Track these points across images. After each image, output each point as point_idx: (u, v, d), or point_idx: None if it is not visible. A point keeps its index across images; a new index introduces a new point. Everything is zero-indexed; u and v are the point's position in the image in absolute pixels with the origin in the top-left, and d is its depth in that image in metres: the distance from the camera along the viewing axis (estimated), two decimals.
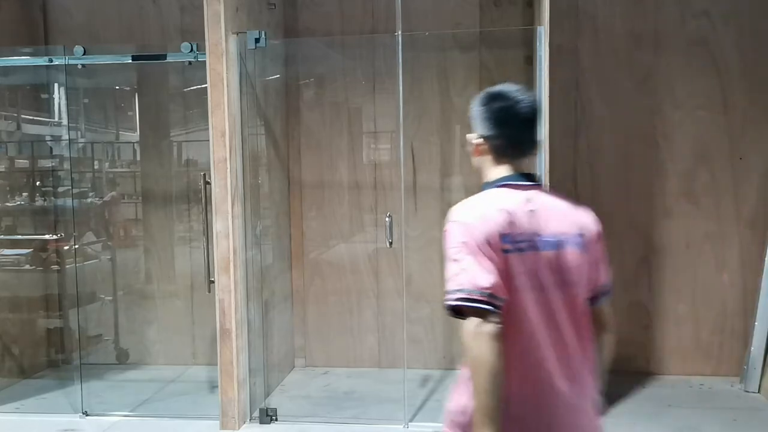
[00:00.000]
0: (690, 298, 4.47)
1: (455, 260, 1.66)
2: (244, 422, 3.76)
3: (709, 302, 4.46)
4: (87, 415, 3.93)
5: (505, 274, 1.62)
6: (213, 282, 3.68)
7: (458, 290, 1.61)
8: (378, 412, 3.87)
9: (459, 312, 1.62)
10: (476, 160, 1.87)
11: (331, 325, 4.69)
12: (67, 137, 4.49)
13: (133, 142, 4.93)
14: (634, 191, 4.47)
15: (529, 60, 4.34)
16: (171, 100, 4.75)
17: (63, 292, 4.77)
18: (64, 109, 4.66)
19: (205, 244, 3.79)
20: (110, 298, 4.80)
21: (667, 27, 4.37)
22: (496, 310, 1.57)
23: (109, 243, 4.90)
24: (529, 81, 4.37)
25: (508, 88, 1.86)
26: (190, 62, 3.84)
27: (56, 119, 4.80)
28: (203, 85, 3.64)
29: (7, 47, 4.29)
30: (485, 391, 1.56)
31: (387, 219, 4.06)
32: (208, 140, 3.63)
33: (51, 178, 4.79)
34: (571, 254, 1.72)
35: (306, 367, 4.78)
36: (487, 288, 1.57)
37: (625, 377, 4.44)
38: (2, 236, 4.69)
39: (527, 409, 1.64)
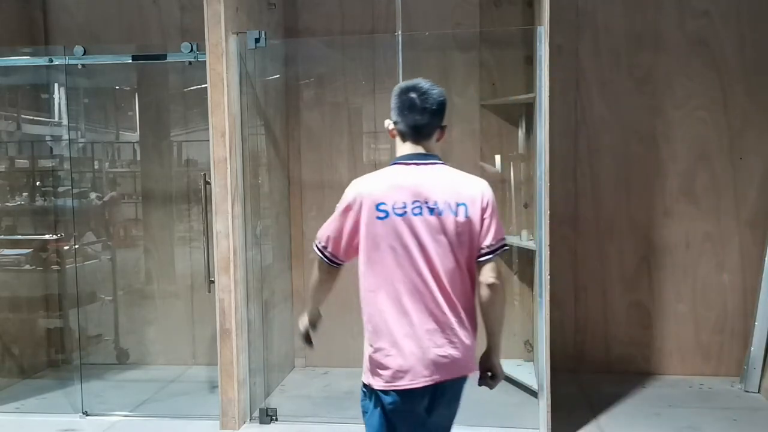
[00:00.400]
0: (690, 298, 4.47)
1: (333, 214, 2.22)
2: (244, 422, 3.76)
3: (709, 302, 4.46)
4: (87, 415, 3.93)
5: (370, 233, 2.12)
6: (213, 282, 3.68)
7: (317, 237, 2.27)
8: None
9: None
10: (393, 142, 2.27)
11: (331, 325, 4.66)
12: (67, 137, 4.49)
13: (133, 142, 4.93)
14: (634, 191, 4.47)
15: (529, 60, 4.35)
16: (171, 100, 4.75)
17: (63, 292, 4.77)
18: (64, 109, 4.66)
19: (205, 244, 3.79)
20: (110, 298, 4.80)
21: (667, 27, 4.37)
22: (325, 259, 2.25)
23: (109, 243, 4.90)
24: (529, 81, 4.37)
25: (417, 82, 2.20)
26: (190, 62, 3.84)
27: (56, 119, 4.80)
28: (203, 85, 3.64)
29: (7, 47, 4.29)
30: (312, 289, 2.35)
31: None
32: (208, 140, 3.63)
33: (51, 178, 4.79)
34: (448, 219, 2.10)
35: (306, 367, 4.78)
36: (324, 244, 2.25)
37: (625, 377, 4.45)
38: (2, 236, 4.69)
39: (381, 321, 2.14)
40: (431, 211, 2.10)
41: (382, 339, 2.13)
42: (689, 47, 4.36)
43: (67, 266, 4.69)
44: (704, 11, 4.33)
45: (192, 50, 3.75)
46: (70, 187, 4.43)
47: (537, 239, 3.69)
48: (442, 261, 2.11)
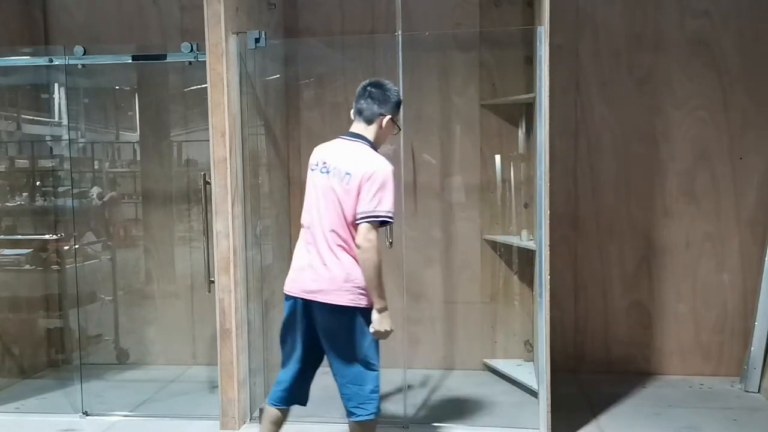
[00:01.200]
0: (690, 298, 4.48)
1: None
2: (244, 422, 3.76)
3: (709, 302, 4.46)
4: (87, 415, 3.93)
5: (309, 182, 2.85)
6: (213, 282, 3.68)
7: (390, 210, 2.72)
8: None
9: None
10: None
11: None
12: (67, 137, 4.48)
13: (133, 142, 4.93)
14: (634, 191, 4.47)
15: (529, 60, 4.35)
16: (171, 100, 4.75)
17: (63, 292, 4.77)
18: (64, 109, 4.66)
19: (205, 244, 3.79)
20: (110, 298, 4.80)
21: (667, 27, 4.37)
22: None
23: (109, 243, 4.90)
24: (529, 81, 4.38)
25: (376, 79, 2.89)
26: (190, 62, 3.84)
27: (56, 119, 4.80)
28: (203, 85, 3.64)
29: (7, 47, 4.29)
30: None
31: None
32: (208, 140, 3.63)
33: (51, 178, 4.79)
34: (336, 182, 2.72)
35: None
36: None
37: (625, 377, 4.45)
38: (2, 236, 4.69)
39: (297, 249, 2.89)
40: (327, 172, 2.75)
41: (295, 251, 2.89)
42: (689, 47, 4.36)
43: (67, 266, 4.69)
44: (704, 11, 4.33)
45: (192, 50, 3.75)
46: (70, 187, 4.43)
47: (537, 239, 3.69)
48: (329, 212, 2.72)
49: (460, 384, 4.40)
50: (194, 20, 4.16)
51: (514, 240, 4.41)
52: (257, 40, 3.70)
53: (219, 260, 3.66)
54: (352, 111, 2.88)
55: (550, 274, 3.43)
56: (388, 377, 4.43)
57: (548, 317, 3.44)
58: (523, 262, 4.54)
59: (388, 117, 2.85)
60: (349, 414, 2.85)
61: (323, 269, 2.73)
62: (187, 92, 4.66)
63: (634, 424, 3.72)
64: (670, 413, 3.87)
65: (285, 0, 4.57)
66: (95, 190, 4.88)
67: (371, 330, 2.75)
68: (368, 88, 2.84)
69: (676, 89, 4.39)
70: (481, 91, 4.52)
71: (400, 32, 3.64)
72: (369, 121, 2.83)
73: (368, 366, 2.81)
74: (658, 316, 4.51)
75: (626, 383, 4.33)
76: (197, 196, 4.21)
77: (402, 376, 3.80)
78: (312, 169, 2.84)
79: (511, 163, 4.53)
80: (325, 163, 2.78)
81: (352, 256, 2.72)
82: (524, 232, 4.32)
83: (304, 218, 2.84)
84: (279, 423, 2.97)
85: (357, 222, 2.67)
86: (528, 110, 4.41)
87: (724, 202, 4.41)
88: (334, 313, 2.75)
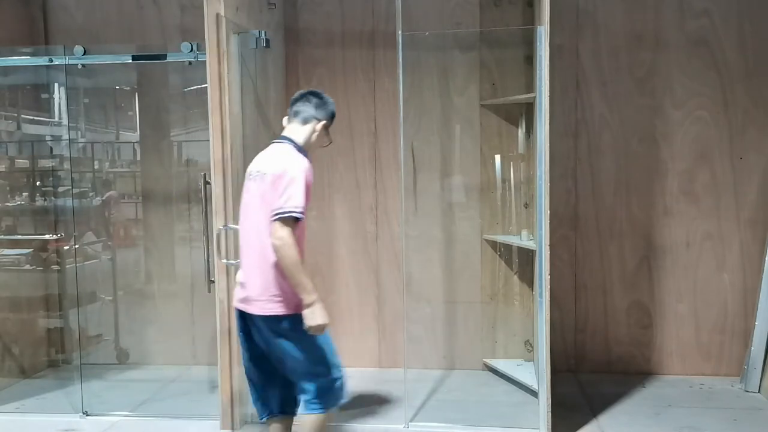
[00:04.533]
0: (690, 298, 4.47)
1: None
2: (245, 422, 3.76)
3: (710, 302, 4.46)
4: (87, 415, 3.93)
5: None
6: (213, 282, 3.68)
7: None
8: (378, 411, 3.87)
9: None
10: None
11: (331, 325, 4.68)
12: (67, 137, 4.48)
13: (133, 142, 4.93)
14: (634, 191, 4.47)
15: (529, 60, 4.35)
16: (171, 100, 4.75)
17: (63, 292, 4.77)
18: (64, 109, 4.66)
19: (205, 244, 3.78)
20: (110, 298, 4.80)
21: (667, 27, 4.37)
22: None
23: (109, 243, 4.89)
24: (529, 81, 4.38)
25: (312, 89, 3.00)
26: (190, 62, 3.84)
27: (56, 119, 4.80)
28: (203, 85, 3.63)
29: (7, 47, 4.28)
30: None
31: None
32: (208, 140, 3.63)
33: (51, 178, 4.79)
34: (257, 185, 2.77)
35: None
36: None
37: (625, 377, 4.45)
38: (2, 236, 4.68)
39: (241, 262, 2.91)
40: (251, 177, 2.81)
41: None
42: (689, 47, 4.35)
43: (67, 266, 4.69)
44: (704, 11, 4.33)
45: (192, 50, 3.75)
46: (70, 187, 4.43)
47: (537, 239, 3.69)
48: (252, 217, 2.77)
49: (460, 384, 4.41)
50: (194, 20, 4.16)
51: (514, 240, 4.41)
52: (257, 40, 3.70)
53: (219, 260, 3.65)
54: (285, 118, 2.96)
55: (550, 274, 3.43)
56: (389, 377, 4.45)
57: (548, 317, 3.44)
58: (523, 262, 4.54)
59: (323, 122, 2.92)
60: (303, 407, 2.88)
61: (249, 279, 2.80)
62: (187, 92, 4.66)
63: (634, 424, 3.72)
64: (670, 413, 3.87)
65: (285, 0, 4.57)
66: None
67: (305, 327, 2.72)
68: (307, 95, 2.94)
69: (676, 89, 4.39)
70: (481, 90, 4.52)
71: (400, 32, 3.64)
72: (304, 122, 2.89)
73: (309, 366, 2.81)
74: (658, 316, 4.51)
75: (626, 383, 4.33)
76: (197, 196, 4.20)
77: (402, 376, 3.80)
78: (247, 180, 2.89)
79: (511, 163, 4.53)
80: (250, 171, 2.85)
81: (268, 262, 2.72)
82: (524, 232, 4.32)
83: (240, 228, 2.91)
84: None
85: (271, 220, 2.68)
86: (528, 110, 4.41)
87: (724, 202, 4.41)
88: (265, 322, 2.79)
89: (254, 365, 2.94)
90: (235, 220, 3.66)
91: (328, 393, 2.84)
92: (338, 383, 2.85)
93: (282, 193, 2.65)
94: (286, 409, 2.99)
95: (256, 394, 2.99)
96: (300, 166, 2.72)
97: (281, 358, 2.84)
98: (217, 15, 3.51)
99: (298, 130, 2.89)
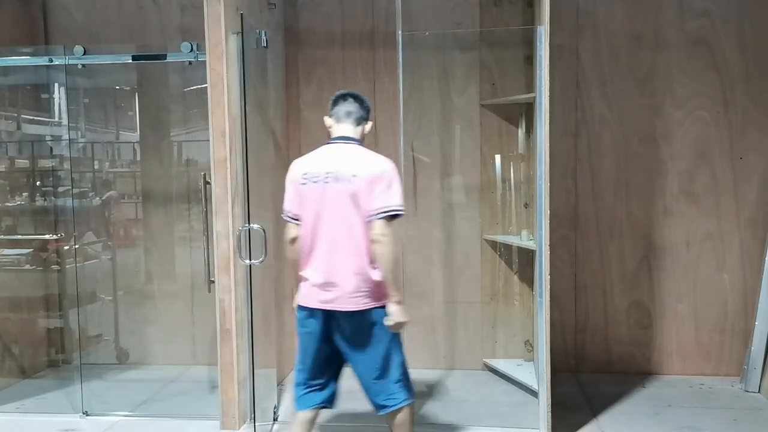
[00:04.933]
0: (690, 298, 4.48)
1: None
2: (244, 422, 3.76)
3: (709, 302, 4.46)
4: (87, 415, 3.93)
5: (299, 197, 2.84)
6: (213, 282, 3.68)
7: (283, 210, 2.92)
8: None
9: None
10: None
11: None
12: (67, 137, 4.49)
13: (133, 142, 4.93)
14: (634, 191, 4.47)
15: (529, 60, 4.35)
16: (171, 100, 4.75)
17: (63, 292, 4.77)
18: (64, 109, 4.66)
19: (205, 244, 3.79)
20: (110, 298, 4.80)
21: (667, 27, 4.37)
22: (290, 220, 2.89)
23: (109, 243, 4.89)
24: (529, 81, 4.38)
25: (351, 91, 3.04)
26: (190, 62, 3.84)
27: (56, 119, 4.80)
28: (203, 85, 3.63)
29: (7, 47, 4.28)
30: (287, 255, 3.00)
31: None
32: (208, 140, 3.63)
33: (51, 178, 4.79)
34: (343, 187, 2.75)
35: None
36: (286, 209, 2.91)
37: (625, 377, 4.45)
38: (2, 236, 4.68)
39: (310, 266, 2.86)
40: (327, 181, 2.77)
41: (306, 270, 2.86)
42: (689, 47, 4.36)
43: (67, 266, 4.69)
44: (704, 11, 4.33)
45: (192, 50, 3.75)
46: (70, 187, 4.43)
47: (537, 239, 3.69)
48: (339, 219, 2.76)
49: (460, 384, 4.41)
50: (194, 20, 4.15)
51: (514, 240, 4.41)
52: (257, 40, 3.70)
53: (219, 260, 3.65)
54: (329, 119, 2.98)
55: (550, 274, 3.43)
56: None
57: (548, 317, 3.44)
58: (523, 262, 4.54)
59: (371, 123, 3.02)
60: (380, 408, 2.92)
61: (339, 277, 2.78)
62: (187, 92, 4.66)
63: (634, 424, 3.72)
64: (670, 413, 3.87)
65: (285, 0, 4.57)
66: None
67: (388, 323, 2.80)
68: (352, 96, 2.98)
69: (676, 89, 4.39)
70: (481, 91, 4.52)
71: (400, 32, 3.64)
72: (357, 123, 2.94)
73: (390, 358, 2.88)
74: (658, 315, 4.51)
75: (626, 383, 4.33)
76: (197, 196, 4.20)
77: None
78: (303, 183, 2.82)
79: (511, 163, 4.54)
80: (328, 173, 2.78)
81: (363, 259, 2.77)
82: (524, 232, 4.32)
83: (306, 232, 2.83)
84: (311, 425, 3.05)
85: (371, 219, 2.73)
86: (528, 110, 4.41)
87: (724, 202, 4.41)
88: (355, 318, 2.81)
89: (318, 363, 2.95)
90: (236, 221, 3.67)
91: (409, 382, 2.95)
92: (403, 379, 2.94)
93: (385, 192, 2.73)
94: (328, 403, 3.05)
95: (306, 388, 2.99)
96: (393, 166, 2.82)
97: (364, 353, 2.86)
98: (217, 15, 3.51)
99: (353, 131, 2.93)
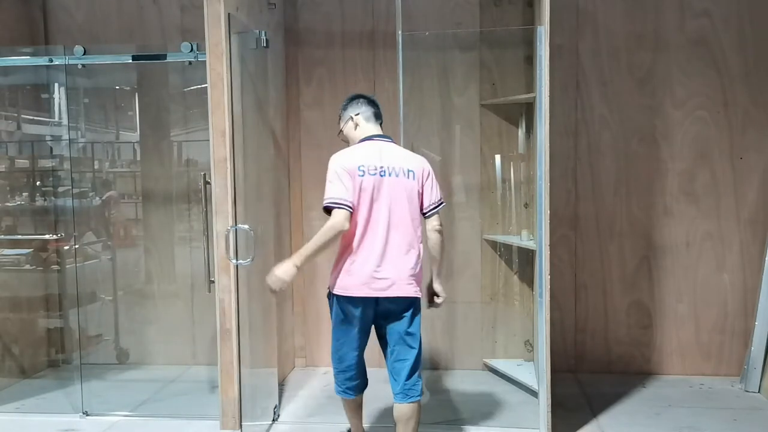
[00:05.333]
0: (690, 298, 4.48)
1: (329, 180, 2.92)
2: (244, 422, 3.75)
3: (710, 302, 4.46)
4: (87, 415, 3.93)
5: (355, 188, 2.88)
6: (213, 282, 3.68)
7: (329, 198, 2.90)
8: (378, 411, 3.87)
9: (328, 210, 2.90)
10: (345, 131, 3.16)
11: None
12: (67, 137, 4.49)
13: (133, 142, 4.93)
14: (634, 191, 4.47)
15: (529, 60, 4.35)
16: (171, 100, 4.75)
17: (63, 292, 4.77)
18: (64, 109, 4.66)
19: (205, 244, 3.78)
20: (110, 298, 4.80)
21: (667, 27, 4.37)
22: (344, 207, 2.86)
23: (109, 243, 4.89)
24: (529, 81, 4.38)
25: (360, 93, 3.21)
26: (190, 62, 3.83)
27: (56, 119, 4.80)
28: (203, 85, 3.63)
29: (7, 47, 4.28)
30: (325, 240, 2.89)
31: None
32: (208, 140, 3.62)
33: (51, 178, 4.79)
34: (403, 181, 2.95)
35: (306, 367, 4.79)
36: (341, 197, 2.88)
37: (625, 377, 4.46)
38: (2, 236, 4.68)
39: (361, 256, 2.93)
40: (389, 174, 2.92)
41: (355, 258, 2.94)
42: (689, 47, 4.36)
43: (67, 266, 4.69)
44: (704, 11, 4.33)
45: (192, 50, 3.74)
46: (70, 187, 4.43)
47: (537, 239, 3.69)
48: (399, 211, 2.92)
49: (460, 384, 4.41)
50: (194, 20, 4.16)
51: (514, 240, 4.41)
52: (257, 40, 3.70)
53: (219, 260, 3.65)
54: (360, 116, 3.10)
55: (550, 274, 3.43)
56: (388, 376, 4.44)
57: (548, 317, 3.44)
58: (523, 262, 4.54)
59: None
60: (404, 396, 3.02)
61: (398, 267, 2.93)
62: (187, 92, 4.66)
63: (634, 424, 3.72)
64: (670, 413, 3.87)
65: (285, 0, 4.57)
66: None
67: (440, 301, 3.17)
68: (369, 97, 3.17)
69: (676, 89, 4.39)
70: (481, 91, 4.52)
71: (400, 32, 3.64)
72: (381, 123, 3.16)
73: (421, 349, 3.07)
74: (658, 315, 4.51)
75: (626, 383, 4.33)
76: (197, 196, 4.21)
77: None
78: (361, 174, 2.90)
79: (511, 163, 4.54)
80: (382, 167, 2.93)
81: (415, 249, 2.97)
82: (524, 232, 4.32)
83: (361, 221, 2.91)
84: (361, 408, 3.31)
85: (429, 212, 3.03)
86: (528, 110, 4.41)
87: (724, 202, 4.41)
88: (404, 304, 2.98)
89: (361, 351, 3.10)
90: (237, 221, 3.67)
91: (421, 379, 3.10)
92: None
93: (436, 188, 3.04)
94: (364, 389, 3.25)
95: (351, 379, 3.14)
96: (428, 163, 3.08)
97: (410, 338, 3.01)
98: (217, 15, 3.51)
99: (382, 130, 3.14)
